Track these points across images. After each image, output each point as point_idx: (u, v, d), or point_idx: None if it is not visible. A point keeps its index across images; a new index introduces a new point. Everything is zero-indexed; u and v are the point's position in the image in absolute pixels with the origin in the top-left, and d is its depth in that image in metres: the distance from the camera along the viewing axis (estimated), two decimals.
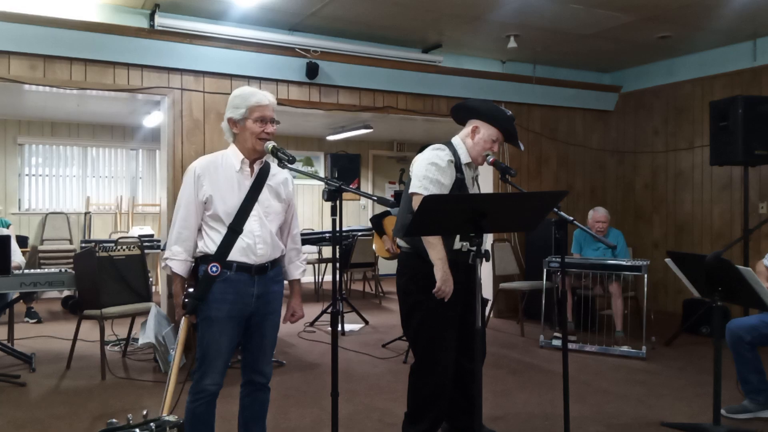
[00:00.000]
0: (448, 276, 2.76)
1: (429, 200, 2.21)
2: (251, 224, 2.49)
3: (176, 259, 2.49)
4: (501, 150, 6.82)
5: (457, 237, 2.84)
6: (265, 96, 2.51)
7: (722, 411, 3.51)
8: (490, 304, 3.17)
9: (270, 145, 2.48)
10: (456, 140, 3.00)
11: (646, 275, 5.10)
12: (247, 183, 2.52)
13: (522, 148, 3.00)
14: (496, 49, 6.47)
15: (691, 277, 3.37)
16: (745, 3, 5.06)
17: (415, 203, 2.79)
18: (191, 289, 2.51)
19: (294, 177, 2.74)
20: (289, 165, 2.45)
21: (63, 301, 7.34)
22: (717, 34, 6.01)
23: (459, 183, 2.89)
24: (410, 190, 2.89)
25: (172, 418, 2.00)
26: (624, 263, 5.20)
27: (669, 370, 4.74)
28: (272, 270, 2.58)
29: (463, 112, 3.04)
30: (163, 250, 2.78)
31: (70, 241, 8.84)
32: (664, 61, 7.01)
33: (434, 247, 2.76)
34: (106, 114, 8.37)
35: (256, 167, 2.55)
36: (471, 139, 2.95)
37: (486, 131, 2.92)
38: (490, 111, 2.93)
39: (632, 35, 6.00)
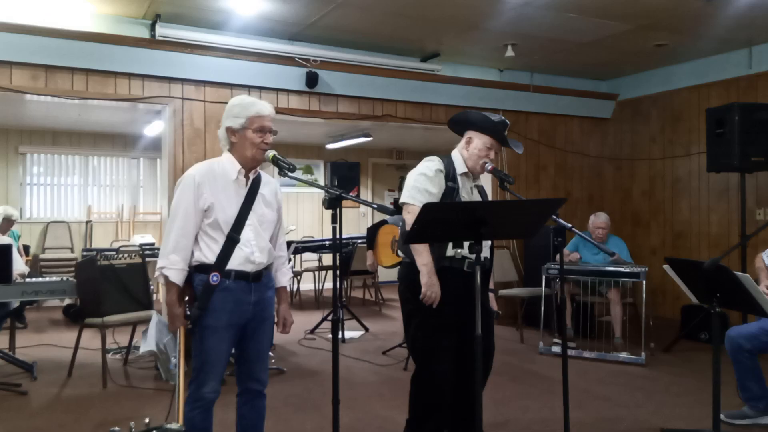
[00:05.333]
0: (433, 282, 2.81)
1: (428, 208, 2.24)
2: (247, 233, 2.51)
3: (174, 268, 2.45)
4: (499, 158, 6.87)
5: (450, 244, 2.88)
6: (265, 106, 2.54)
7: (722, 417, 3.52)
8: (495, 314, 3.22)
9: (271, 153, 2.51)
10: (454, 152, 3.09)
11: (644, 281, 5.12)
12: (243, 192, 2.54)
13: (520, 151, 3.06)
14: (494, 57, 6.52)
15: (689, 283, 3.39)
16: (740, 11, 5.11)
17: (404, 213, 2.92)
18: (186, 298, 2.51)
19: (294, 185, 2.79)
20: (290, 173, 2.48)
21: (64, 310, 7.37)
22: (713, 42, 6.06)
23: (450, 191, 2.95)
24: (400, 201, 3.00)
25: (174, 425, 2.02)
26: (622, 270, 5.23)
27: (668, 376, 4.76)
28: (265, 276, 2.62)
29: (457, 125, 3.14)
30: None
31: (72, 250, 8.86)
32: (661, 69, 7.06)
33: (420, 254, 2.84)
34: (107, 123, 8.41)
35: (251, 176, 2.58)
36: (466, 150, 3.04)
37: (479, 140, 3.00)
38: (479, 120, 3.01)
39: (629, 43, 6.05)
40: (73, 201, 9.32)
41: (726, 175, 6.23)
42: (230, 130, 2.53)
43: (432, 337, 2.90)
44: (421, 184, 2.91)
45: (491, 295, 3.14)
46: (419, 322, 2.93)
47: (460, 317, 2.90)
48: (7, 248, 4.44)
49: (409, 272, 2.97)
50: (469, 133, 3.03)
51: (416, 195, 2.89)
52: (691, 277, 3.35)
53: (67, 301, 7.30)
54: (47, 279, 4.88)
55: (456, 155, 3.06)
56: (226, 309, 2.48)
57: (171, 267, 2.45)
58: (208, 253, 2.48)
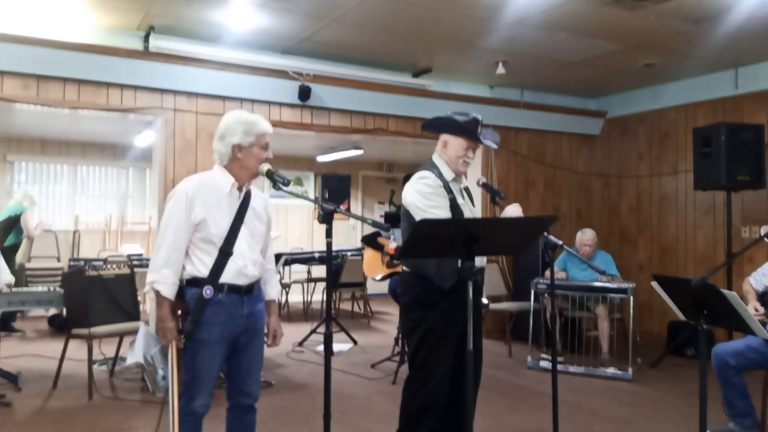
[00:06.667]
0: None
1: (423, 224, 2.26)
2: (240, 246, 2.52)
3: (165, 282, 2.44)
4: (489, 173, 6.93)
5: None
6: (267, 123, 2.60)
7: None
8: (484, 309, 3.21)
9: (265, 167, 2.54)
10: (436, 158, 3.12)
11: (632, 297, 5.16)
12: (235, 205, 2.56)
13: (496, 146, 3.12)
14: (485, 74, 6.59)
15: (676, 300, 3.43)
16: (727, 33, 5.20)
17: None
18: (179, 312, 2.48)
19: (284, 197, 2.80)
20: (284, 187, 2.50)
21: (50, 320, 7.29)
22: (700, 63, 6.16)
23: (452, 203, 2.97)
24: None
25: None
26: (610, 285, 5.27)
27: (655, 392, 4.79)
28: (256, 289, 2.63)
29: (431, 128, 3.19)
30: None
31: (58, 259, 8.78)
32: (649, 88, 7.16)
33: None
34: (97, 133, 8.39)
35: (244, 190, 2.60)
36: (445, 153, 3.08)
37: (454, 142, 3.05)
38: (449, 123, 3.06)
39: (618, 63, 6.14)
40: (60, 210, 9.26)
41: (712, 193, 6.32)
42: (238, 147, 2.54)
43: (435, 346, 2.91)
44: (435, 200, 2.91)
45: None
46: (425, 331, 2.92)
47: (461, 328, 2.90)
48: None
49: (414, 283, 2.96)
50: (444, 137, 3.09)
51: (436, 212, 2.88)
52: (679, 294, 3.38)
53: (52, 311, 7.22)
54: (34, 289, 4.83)
55: (439, 161, 3.08)
56: (219, 323, 2.48)
57: (162, 281, 2.44)
58: (201, 267, 2.48)
